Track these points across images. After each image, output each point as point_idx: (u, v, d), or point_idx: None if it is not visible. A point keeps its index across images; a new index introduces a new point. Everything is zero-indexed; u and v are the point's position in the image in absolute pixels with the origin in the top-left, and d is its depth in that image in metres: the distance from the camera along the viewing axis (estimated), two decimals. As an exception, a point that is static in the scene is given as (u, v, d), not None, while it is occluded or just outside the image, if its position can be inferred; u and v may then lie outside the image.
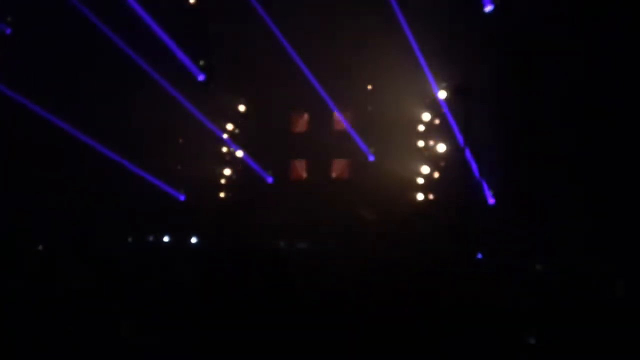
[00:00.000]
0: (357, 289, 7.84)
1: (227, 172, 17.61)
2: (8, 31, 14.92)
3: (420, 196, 15.51)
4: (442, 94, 15.17)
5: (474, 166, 14.42)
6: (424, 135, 15.73)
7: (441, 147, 15.54)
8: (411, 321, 6.40)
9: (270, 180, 17.19)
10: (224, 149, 17.39)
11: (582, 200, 12.62)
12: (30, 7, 14.90)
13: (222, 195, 17.42)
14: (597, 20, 12.28)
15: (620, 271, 8.87)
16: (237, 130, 17.68)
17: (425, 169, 15.58)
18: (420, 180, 15.60)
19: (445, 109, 15.28)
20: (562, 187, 13.04)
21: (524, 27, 13.44)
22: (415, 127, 15.71)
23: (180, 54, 15.68)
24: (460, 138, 14.43)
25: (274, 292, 7.57)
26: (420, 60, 14.73)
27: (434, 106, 15.63)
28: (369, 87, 16.15)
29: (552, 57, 13.04)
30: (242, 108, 17.70)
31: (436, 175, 15.55)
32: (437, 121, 15.63)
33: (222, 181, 17.50)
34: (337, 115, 16.41)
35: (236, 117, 17.73)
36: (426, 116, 15.71)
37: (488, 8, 14.09)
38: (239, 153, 17.36)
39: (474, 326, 6.27)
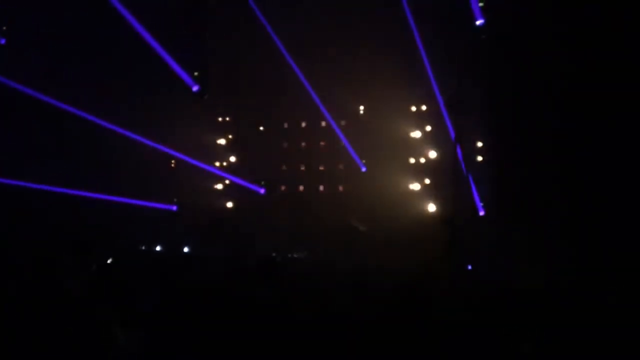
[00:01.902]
0: (349, 299, 7.85)
1: (219, 183, 17.63)
2: (2, 41, 14.90)
3: (411, 206, 15.60)
4: (435, 106, 15.32)
5: (464, 170, 14.47)
6: (416, 146, 15.86)
7: (432, 158, 15.70)
8: (401, 332, 6.41)
9: (262, 191, 17.21)
10: (217, 160, 17.41)
11: (576, 209, 12.62)
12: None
13: (214, 206, 17.42)
14: (593, 24, 12.34)
15: (615, 280, 8.90)
16: (229, 141, 17.73)
17: (417, 180, 15.70)
18: (412, 191, 15.71)
19: (437, 121, 15.42)
20: (557, 194, 13.07)
21: (515, 35, 13.54)
22: (407, 138, 15.83)
23: (174, 64, 15.68)
24: (451, 147, 14.53)
25: (267, 301, 7.58)
26: (414, 72, 14.86)
27: (426, 117, 15.79)
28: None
29: (545, 63, 13.11)
30: (235, 118, 17.77)
31: (427, 184, 15.67)
32: (429, 132, 15.78)
33: (215, 192, 17.52)
34: (330, 125, 16.49)
35: (229, 128, 17.79)
36: (419, 127, 15.85)
37: (479, 21, 14.24)
38: (232, 162, 17.43)
39: (465, 335, 6.29)
